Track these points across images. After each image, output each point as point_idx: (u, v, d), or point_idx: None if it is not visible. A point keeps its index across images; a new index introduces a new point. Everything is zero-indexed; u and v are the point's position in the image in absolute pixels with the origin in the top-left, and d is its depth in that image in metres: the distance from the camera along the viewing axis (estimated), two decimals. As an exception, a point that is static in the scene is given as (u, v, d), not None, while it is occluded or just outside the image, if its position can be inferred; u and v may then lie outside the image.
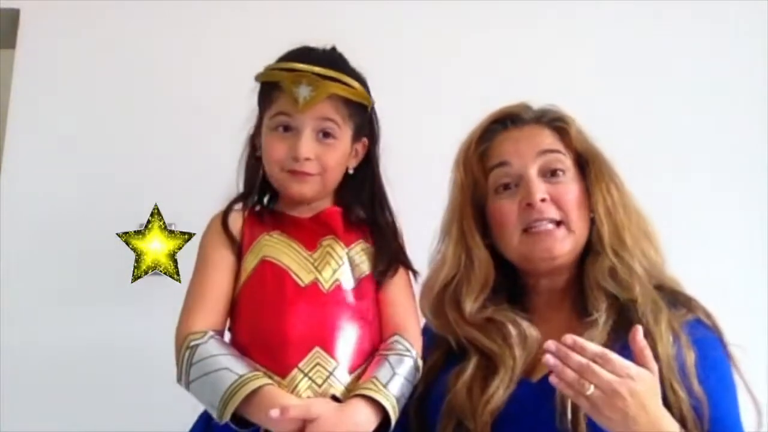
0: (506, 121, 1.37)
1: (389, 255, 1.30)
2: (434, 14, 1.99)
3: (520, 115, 1.37)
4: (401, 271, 1.31)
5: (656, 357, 1.16)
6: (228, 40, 1.96)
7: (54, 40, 1.97)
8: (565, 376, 1.07)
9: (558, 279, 1.34)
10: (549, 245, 1.29)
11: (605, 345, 1.17)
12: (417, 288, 1.36)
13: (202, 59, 1.95)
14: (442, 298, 1.33)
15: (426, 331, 1.33)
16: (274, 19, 1.95)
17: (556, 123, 1.36)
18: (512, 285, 1.37)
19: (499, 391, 1.21)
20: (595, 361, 1.06)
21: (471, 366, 1.26)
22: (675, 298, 1.29)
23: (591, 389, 1.05)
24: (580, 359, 1.06)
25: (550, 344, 1.08)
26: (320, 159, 1.26)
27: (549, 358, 1.07)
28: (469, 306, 1.30)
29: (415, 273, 1.34)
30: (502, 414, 1.20)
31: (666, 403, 1.14)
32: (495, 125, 1.38)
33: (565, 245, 1.29)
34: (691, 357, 1.19)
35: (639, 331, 1.09)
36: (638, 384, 1.06)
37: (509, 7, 1.99)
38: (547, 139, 1.34)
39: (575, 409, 1.14)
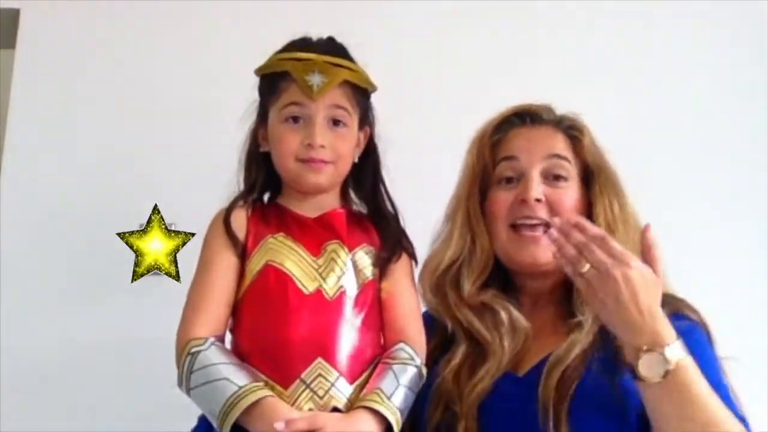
0: (525, 117, 1.40)
1: (393, 241, 1.30)
2: (434, 12, 1.99)
3: (539, 115, 1.40)
4: (404, 259, 1.31)
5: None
6: (228, 40, 1.96)
7: (54, 40, 1.97)
8: (565, 251, 1.13)
9: (545, 282, 1.36)
10: (533, 251, 1.31)
11: (589, 348, 1.22)
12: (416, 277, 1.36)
13: (202, 59, 1.95)
14: (444, 278, 1.35)
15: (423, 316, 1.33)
16: (273, 19, 1.94)
17: (571, 131, 1.38)
18: (505, 282, 1.38)
19: (486, 377, 1.23)
20: (594, 242, 1.11)
21: (460, 353, 1.29)
22: (664, 300, 1.30)
23: (587, 267, 1.11)
24: (579, 237, 1.12)
25: (556, 220, 1.15)
26: (334, 147, 1.26)
27: (552, 232, 1.14)
28: (468, 287, 1.32)
29: (416, 261, 1.34)
30: (488, 404, 1.22)
31: None
32: (514, 118, 1.40)
33: (549, 253, 1.29)
34: None
35: (649, 227, 1.13)
36: (633, 272, 1.10)
37: (509, 6, 1.99)
38: (559, 144, 1.36)
39: (557, 409, 1.16)
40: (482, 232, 1.35)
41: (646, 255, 1.13)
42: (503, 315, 1.29)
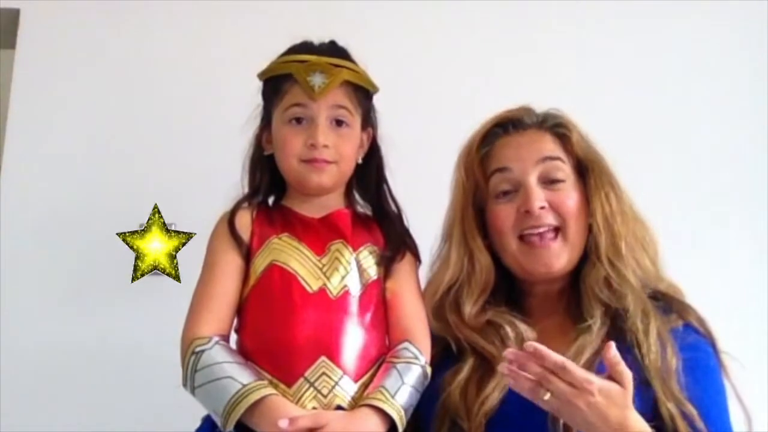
0: (508, 125, 1.38)
1: (397, 241, 1.30)
2: (434, 13, 1.99)
3: (522, 120, 1.38)
4: (408, 258, 1.31)
5: (646, 368, 1.19)
6: (228, 41, 1.96)
7: (54, 40, 1.97)
8: (520, 383, 1.09)
9: (553, 286, 1.35)
10: (546, 260, 1.30)
11: (599, 350, 1.20)
12: (422, 280, 1.36)
13: (202, 59, 1.95)
14: (444, 302, 1.33)
15: None
16: (273, 20, 1.95)
17: (558, 129, 1.36)
18: (510, 287, 1.38)
19: (495, 393, 1.22)
20: (554, 371, 1.07)
21: (467, 367, 1.27)
22: (669, 305, 1.30)
23: (547, 396, 1.07)
24: (536, 369, 1.08)
25: (509, 353, 1.10)
26: (337, 147, 1.27)
27: (503, 368, 1.09)
28: (469, 309, 1.31)
29: (420, 260, 1.35)
30: (496, 416, 1.21)
31: (658, 413, 1.16)
32: (497, 129, 1.38)
33: (561, 259, 1.31)
34: (673, 364, 1.20)
35: (610, 347, 1.09)
36: (598, 397, 1.07)
37: (509, 8, 1.99)
38: (548, 145, 1.34)
39: None
40: (480, 250, 1.34)
41: (612, 372, 1.09)
42: (508, 330, 1.28)
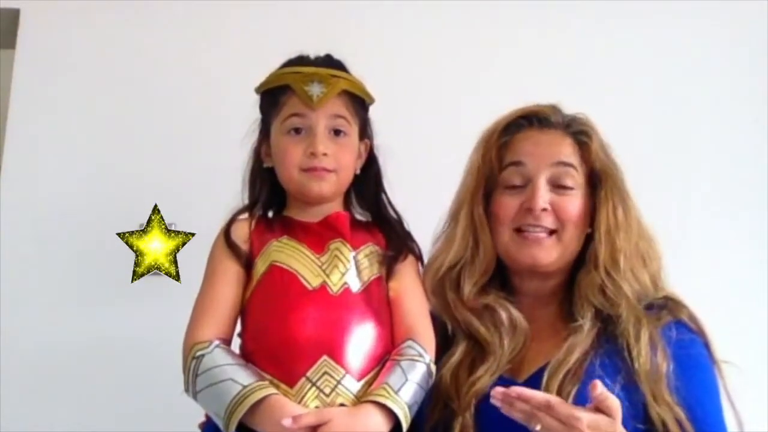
0: (533, 119, 1.38)
1: (398, 241, 1.31)
2: (433, 15, 1.99)
3: (548, 118, 1.38)
4: (411, 258, 1.32)
5: (636, 372, 1.20)
6: (228, 41, 1.96)
7: (54, 40, 1.97)
8: (513, 414, 1.10)
9: (545, 284, 1.36)
10: (535, 252, 1.31)
11: (589, 350, 1.22)
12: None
13: (202, 60, 1.95)
14: (444, 280, 1.35)
15: None
16: (273, 20, 1.95)
17: (580, 136, 1.36)
18: (503, 284, 1.38)
19: (485, 376, 1.24)
20: (541, 410, 1.09)
21: (459, 352, 1.29)
22: (663, 305, 1.31)
23: (538, 426, 1.09)
24: (523, 407, 1.09)
25: (497, 392, 1.11)
26: (336, 156, 1.27)
27: (496, 402, 1.11)
28: (468, 289, 1.32)
29: (422, 262, 1.35)
30: (487, 409, 1.20)
31: (649, 418, 1.18)
32: (522, 120, 1.38)
33: (551, 254, 1.31)
34: (664, 369, 1.21)
35: (597, 385, 1.10)
36: (587, 431, 1.08)
37: (508, 8, 1.99)
38: (567, 149, 1.34)
39: None
40: (486, 235, 1.34)
41: (601, 407, 1.10)
42: (503, 315, 1.30)
